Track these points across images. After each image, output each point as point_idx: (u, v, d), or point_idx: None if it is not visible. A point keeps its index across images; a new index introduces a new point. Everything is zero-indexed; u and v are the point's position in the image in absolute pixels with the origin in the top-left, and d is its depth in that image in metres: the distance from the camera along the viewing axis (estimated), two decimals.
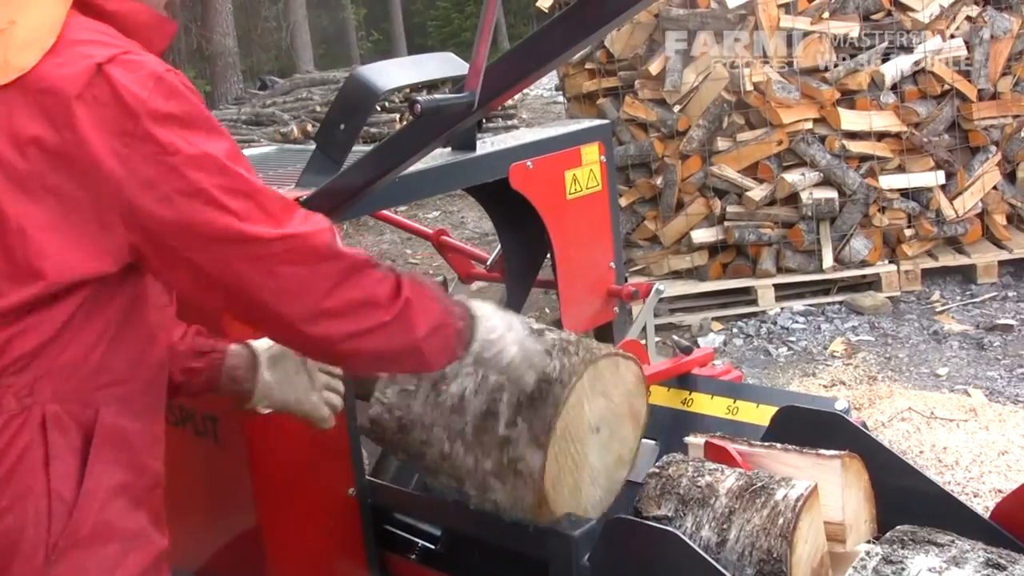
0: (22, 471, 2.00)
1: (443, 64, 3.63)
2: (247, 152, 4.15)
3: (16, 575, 2.00)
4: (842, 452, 2.86)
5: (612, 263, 4.06)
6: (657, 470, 3.02)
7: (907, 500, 2.92)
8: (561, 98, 10.41)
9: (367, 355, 2.26)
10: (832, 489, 2.82)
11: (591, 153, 3.92)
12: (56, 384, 2.03)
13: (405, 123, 8.77)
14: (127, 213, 1.98)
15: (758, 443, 3.08)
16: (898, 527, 2.76)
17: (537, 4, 9.29)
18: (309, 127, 14.11)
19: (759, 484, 2.82)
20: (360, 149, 3.51)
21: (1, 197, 1.96)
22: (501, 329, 2.47)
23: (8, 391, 1.99)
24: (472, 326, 2.43)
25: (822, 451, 2.89)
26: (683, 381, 3.65)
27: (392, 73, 3.46)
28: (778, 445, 3.01)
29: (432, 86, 7.79)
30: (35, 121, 1.95)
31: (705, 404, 3.59)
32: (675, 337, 3.74)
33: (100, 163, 1.94)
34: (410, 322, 2.24)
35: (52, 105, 1.94)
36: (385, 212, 4.63)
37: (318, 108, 14.87)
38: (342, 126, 3.35)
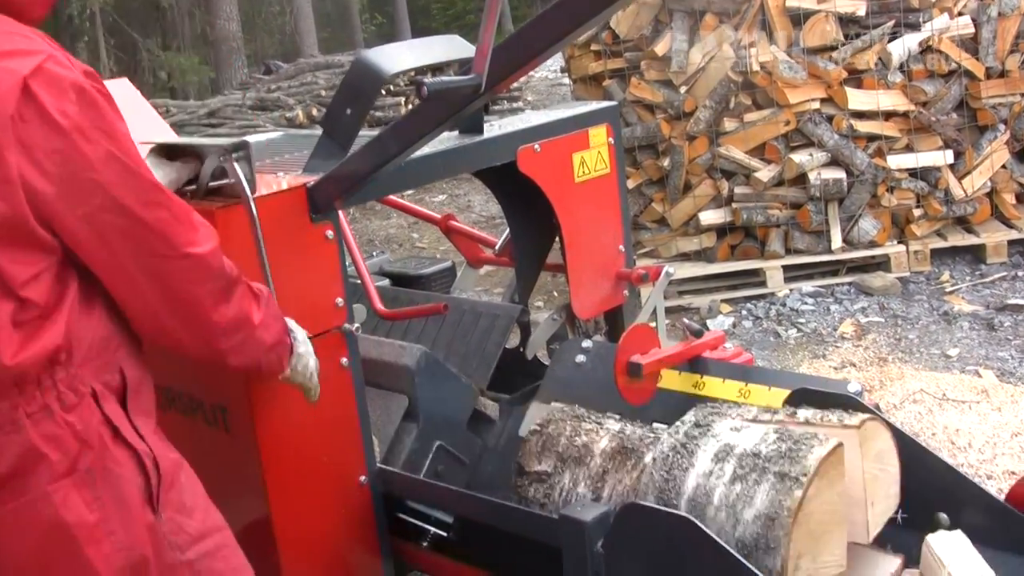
0: (105, 449, 2.20)
1: (449, 46, 3.62)
2: (253, 138, 4.13)
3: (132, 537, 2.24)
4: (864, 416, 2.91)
5: (621, 246, 4.04)
6: (538, 427, 3.21)
7: (921, 483, 2.91)
8: (566, 80, 10.37)
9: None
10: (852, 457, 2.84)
11: (599, 135, 3.90)
12: (92, 363, 2.21)
13: (411, 106, 8.74)
14: (50, 222, 2.09)
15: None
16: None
17: None
18: (314, 111, 14.07)
19: (630, 446, 2.98)
20: (366, 133, 3.49)
21: None
22: (304, 344, 2.80)
23: (61, 385, 2.15)
24: (293, 341, 2.74)
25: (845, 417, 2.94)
26: (694, 365, 3.63)
27: (398, 56, 3.45)
28: (800, 413, 3.04)
29: (438, 69, 7.76)
30: None
31: (717, 388, 3.57)
32: (686, 320, 3.73)
33: (28, 182, 2.02)
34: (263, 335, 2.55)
35: None
36: (392, 196, 4.62)
37: (323, 92, 14.82)
38: (348, 111, 3.34)
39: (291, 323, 2.75)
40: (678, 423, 2.99)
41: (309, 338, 2.87)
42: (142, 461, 2.26)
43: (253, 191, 2.87)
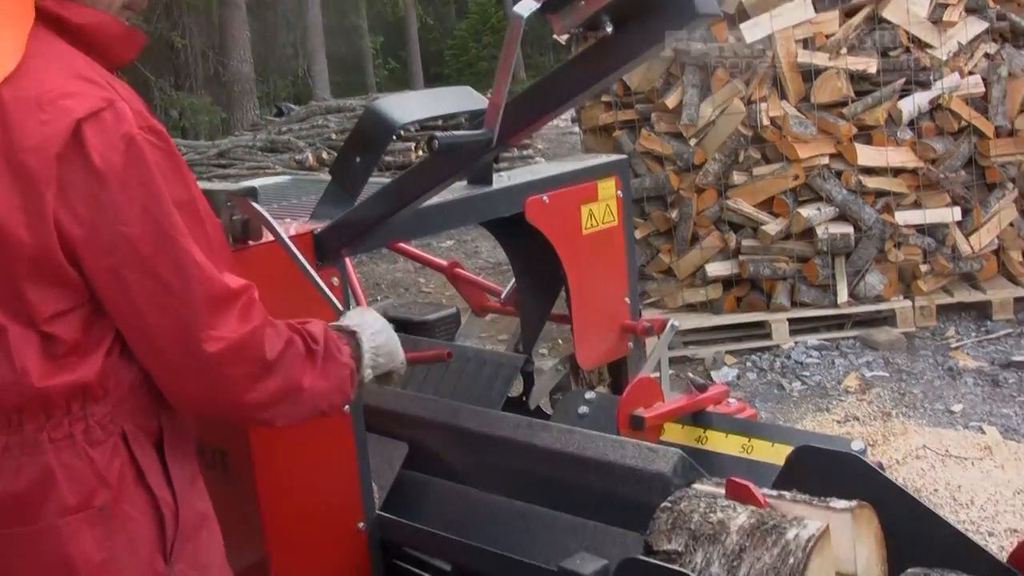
0: (124, 491, 2.17)
1: (460, 98, 3.63)
2: (260, 182, 4.14)
3: None
4: (852, 503, 2.82)
5: (627, 298, 4.04)
6: (669, 504, 3.00)
7: (923, 542, 2.89)
8: (577, 129, 10.40)
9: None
10: (844, 541, 2.79)
11: (607, 188, 3.91)
12: (129, 405, 2.19)
13: (421, 155, 8.76)
14: (79, 265, 2.07)
15: (767, 490, 3.05)
16: (910, 570, 2.73)
17: (554, 36, 9.29)
18: (324, 154, 14.12)
19: (771, 523, 2.79)
20: (375, 180, 3.51)
21: None
22: (384, 333, 2.69)
23: (91, 420, 2.14)
24: (359, 352, 2.62)
25: (832, 502, 2.85)
26: (697, 418, 3.63)
27: (409, 106, 3.47)
28: (787, 495, 2.98)
29: (449, 118, 7.80)
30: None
31: (719, 442, 3.56)
32: (690, 374, 3.72)
33: (60, 222, 2.02)
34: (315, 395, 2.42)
35: (24, 165, 2.00)
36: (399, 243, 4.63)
37: (334, 136, 14.89)
38: (358, 159, 3.35)
39: (353, 319, 2.67)
40: None
41: None
42: (160, 509, 2.22)
43: (259, 236, 2.89)
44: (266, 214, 2.87)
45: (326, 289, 2.88)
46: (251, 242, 2.95)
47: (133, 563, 2.19)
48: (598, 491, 3.23)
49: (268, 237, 2.98)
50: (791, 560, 2.68)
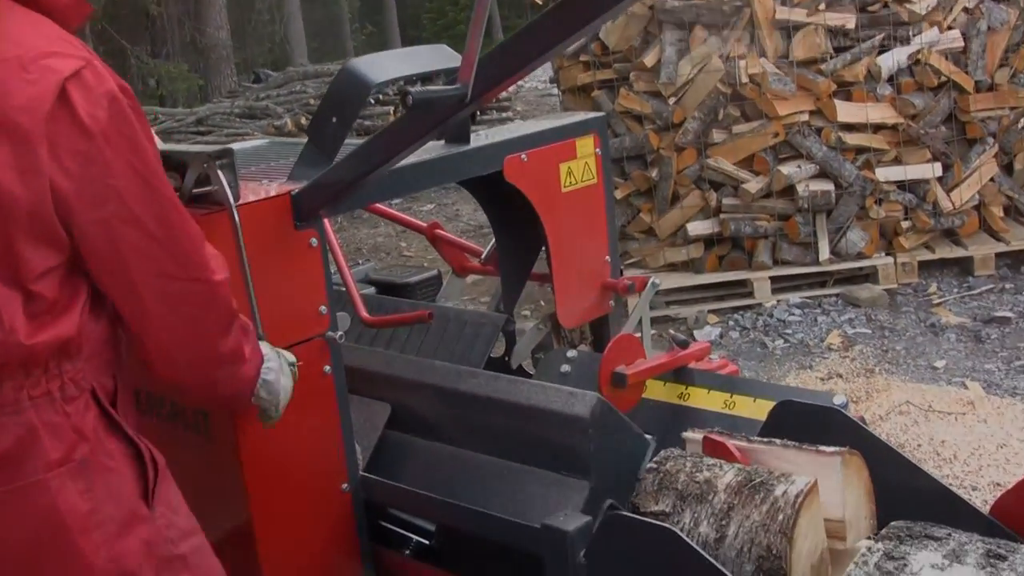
0: (99, 443, 2.25)
1: (436, 56, 3.61)
2: (238, 146, 4.12)
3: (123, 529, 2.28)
4: (842, 449, 2.83)
5: (607, 256, 4.03)
6: (655, 465, 3.00)
7: (906, 495, 2.89)
8: (556, 91, 10.39)
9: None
10: (832, 486, 2.79)
11: (586, 146, 3.90)
12: (96, 361, 2.27)
13: (398, 115, 8.74)
14: (67, 222, 2.14)
15: (756, 439, 3.05)
16: (893, 523, 2.73)
17: None
18: (303, 120, 14.07)
19: (758, 480, 2.79)
20: (353, 142, 3.48)
21: None
22: (272, 372, 2.70)
23: (66, 376, 2.20)
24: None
25: (822, 448, 2.86)
26: (679, 375, 3.62)
27: (384, 65, 3.45)
28: (777, 441, 2.98)
29: (426, 78, 7.77)
30: None
31: (702, 398, 3.57)
32: (671, 332, 3.72)
33: (52, 179, 2.09)
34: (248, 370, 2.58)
35: (17, 124, 2.06)
36: (379, 205, 4.61)
37: (312, 101, 14.82)
38: (334, 119, 3.33)
39: (266, 348, 2.72)
40: (863, 551, 2.63)
41: (291, 348, 2.87)
42: (140, 455, 2.33)
43: (237, 198, 2.86)
44: (226, 184, 2.84)
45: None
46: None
47: (117, 511, 2.26)
48: (536, 431, 3.28)
49: (246, 198, 2.97)
50: (780, 516, 2.68)
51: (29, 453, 2.16)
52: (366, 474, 3.39)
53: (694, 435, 3.14)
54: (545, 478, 3.21)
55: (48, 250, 2.12)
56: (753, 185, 8.02)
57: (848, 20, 7.94)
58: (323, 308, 3.15)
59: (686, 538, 2.61)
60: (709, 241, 8.28)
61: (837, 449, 2.83)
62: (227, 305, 2.40)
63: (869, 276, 8.13)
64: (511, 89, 17.58)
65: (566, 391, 3.30)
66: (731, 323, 7.76)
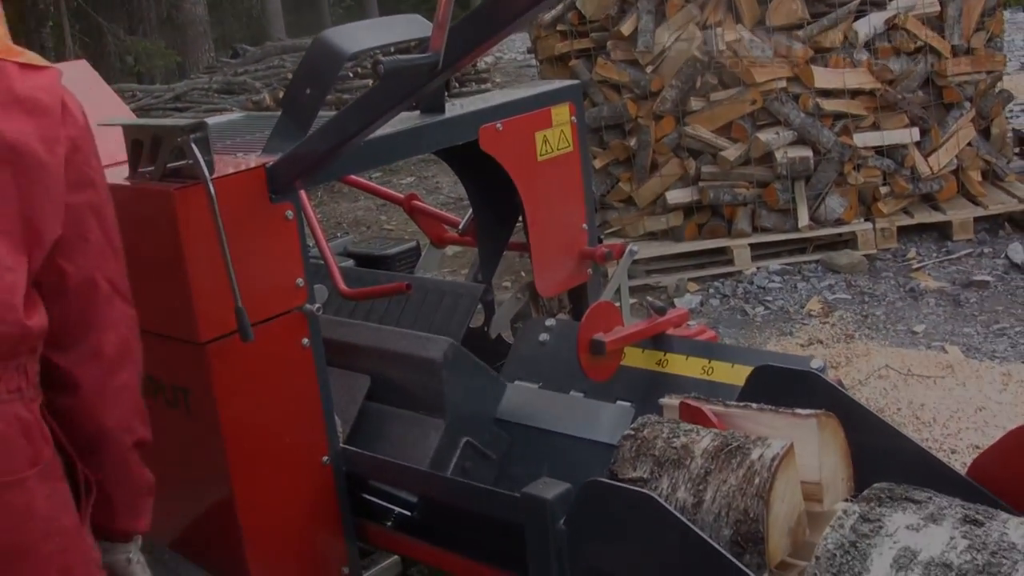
0: (51, 449, 2.17)
1: (410, 26, 3.60)
2: (213, 120, 4.11)
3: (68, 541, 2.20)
4: (818, 411, 2.84)
5: (585, 224, 4.04)
6: (632, 432, 3.01)
7: (884, 458, 2.91)
8: (534, 61, 10.37)
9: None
10: (809, 448, 2.80)
11: (561, 114, 3.89)
12: (32, 361, 2.16)
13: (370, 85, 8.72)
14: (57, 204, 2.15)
15: (733, 403, 3.06)
16: (875, 485, 2.74)
17: None
18: (281, 95, 14.01)
19: (734, 444, 2.80)
20: (328, 114, 3.47)
21: None
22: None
23: (29, 375, 2.14)
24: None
25: (798, 410, 2.87)
26: (658, 342, 3.63)
27: (358, 36, 3.44)
28: (753, 405, 2.99)
29: (403, 49, 7.74)
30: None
31: (680, 365, 3.58)
32: (649, 299, 3.74)
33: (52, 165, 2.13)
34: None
35: (36, 99, 2.13)
36: (358, 178, 4.60)
37: (290, 76, 14.74)
38: (308, 90, 3.32)
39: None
40: (840, 514, 2.65)
41: (269, 321, 2.89)
42: (75, 466, 2.26)
43: (212, 171, 2.86)
44: (201, 158, 2.84)
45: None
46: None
47: (70, 522, 2.21)
48: (389, 373, 3.53)
49: (221, 171, 2.97)
50: (756, 480, 2.69)
51: (8, 450, 2.08)
52: (347, 446, 3.40)
53: (671, 401, 3.15)
54: (406, 418, 3.55)
55: (55, 223, 2.13)
56: (732, 152, 8.02)
57: None
58: (300, 281, 3.15)
59: (664, 503, 2.62)
60: (688, 209, 8.28)
61: (813, 412, 2.84)
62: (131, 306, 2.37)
63: (848, 242, 8.14)
64: (489, 60, 17.54)
65: (423, 337, 3.62)
66: (711, 291, 7.77)
